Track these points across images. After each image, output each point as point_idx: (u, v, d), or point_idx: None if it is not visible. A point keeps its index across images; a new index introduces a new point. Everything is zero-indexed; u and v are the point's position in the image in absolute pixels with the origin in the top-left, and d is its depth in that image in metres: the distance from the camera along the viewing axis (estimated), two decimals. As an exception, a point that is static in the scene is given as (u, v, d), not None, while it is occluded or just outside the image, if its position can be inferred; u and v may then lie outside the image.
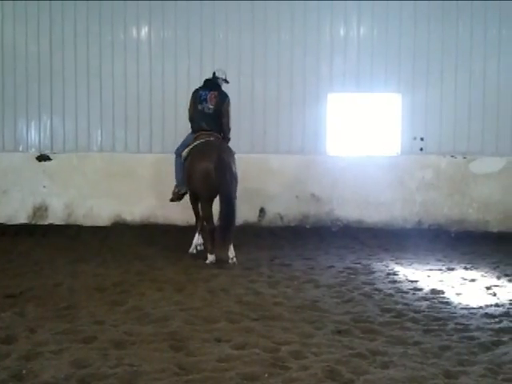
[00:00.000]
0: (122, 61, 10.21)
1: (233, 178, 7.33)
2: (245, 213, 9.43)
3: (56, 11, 10.19)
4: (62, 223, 10.17)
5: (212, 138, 7.70)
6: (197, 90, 7.98)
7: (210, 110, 7.79)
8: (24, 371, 3.80)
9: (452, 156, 9.84)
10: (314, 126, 10.01)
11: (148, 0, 10.08)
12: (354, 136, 10.19)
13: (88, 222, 10.13)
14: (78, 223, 10.15)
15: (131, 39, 10.22)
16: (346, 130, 10.19)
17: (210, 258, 7.40)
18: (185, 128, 10.01)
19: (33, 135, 10.40)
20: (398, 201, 9.87)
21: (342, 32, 10.00)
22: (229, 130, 7.98)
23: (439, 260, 7.88)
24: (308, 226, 9.89)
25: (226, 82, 8.23)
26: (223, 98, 7.84)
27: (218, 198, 7.31)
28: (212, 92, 7.83)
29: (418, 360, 4.07)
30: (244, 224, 9.69)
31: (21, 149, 10.41)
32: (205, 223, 7.68)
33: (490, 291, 6.12)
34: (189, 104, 8.06)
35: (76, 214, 10.21)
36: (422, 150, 9.95)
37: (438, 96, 9.90)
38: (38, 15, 10.22)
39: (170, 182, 8.50)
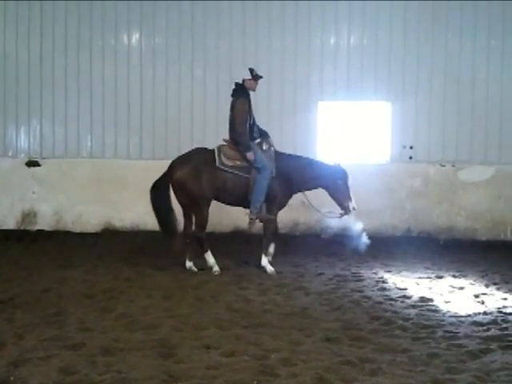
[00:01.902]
0: (113, 66, 10.22)
1: (164, 189, 7.54)
2: (235, 220, 9.43)
3: (47, 16, 10.21)
4: (51, 229, 10.13)
5: (212, 148, 7.60)
6: None
7: (229, 116, 7.59)
8: (12, 378, 3.79)
9: (441, 164, 9.89)
10: (305, 134, 10.03)
11: (140, 1, 10.12)
12: (344, 144, 10.23)
13: (77, 228, 10.10)
14: (67, 229, 10.12)
15: (122, 45, 10.23)
16: (336, 138, 10.23)
17: (187, 264, 7.57)
18: (175, 134, 10.07)
19: (22, 140, 10.38)
20: (388, 209, 9.89)
21: (332, 41, 10.06)
22: (238, 134, 7.38)
23: (428, 268, 7.91)
24: (298, 234, 9.90)
25: (257, 78, 7.49)
26: (233, 102, 7.53)
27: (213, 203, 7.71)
28: (232, 99, 7.60)
29: (406, 368, 4.09)
30: (234, 231, 9.72)
31: (10, 154, 10.39)
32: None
33: (478, 299, 6.16)
34: None
35: (65, 220, 10.18)
36: (411, 158, 10.00)
37: (427, 105, 9.96)
38: (29, 21, 10.23)
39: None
